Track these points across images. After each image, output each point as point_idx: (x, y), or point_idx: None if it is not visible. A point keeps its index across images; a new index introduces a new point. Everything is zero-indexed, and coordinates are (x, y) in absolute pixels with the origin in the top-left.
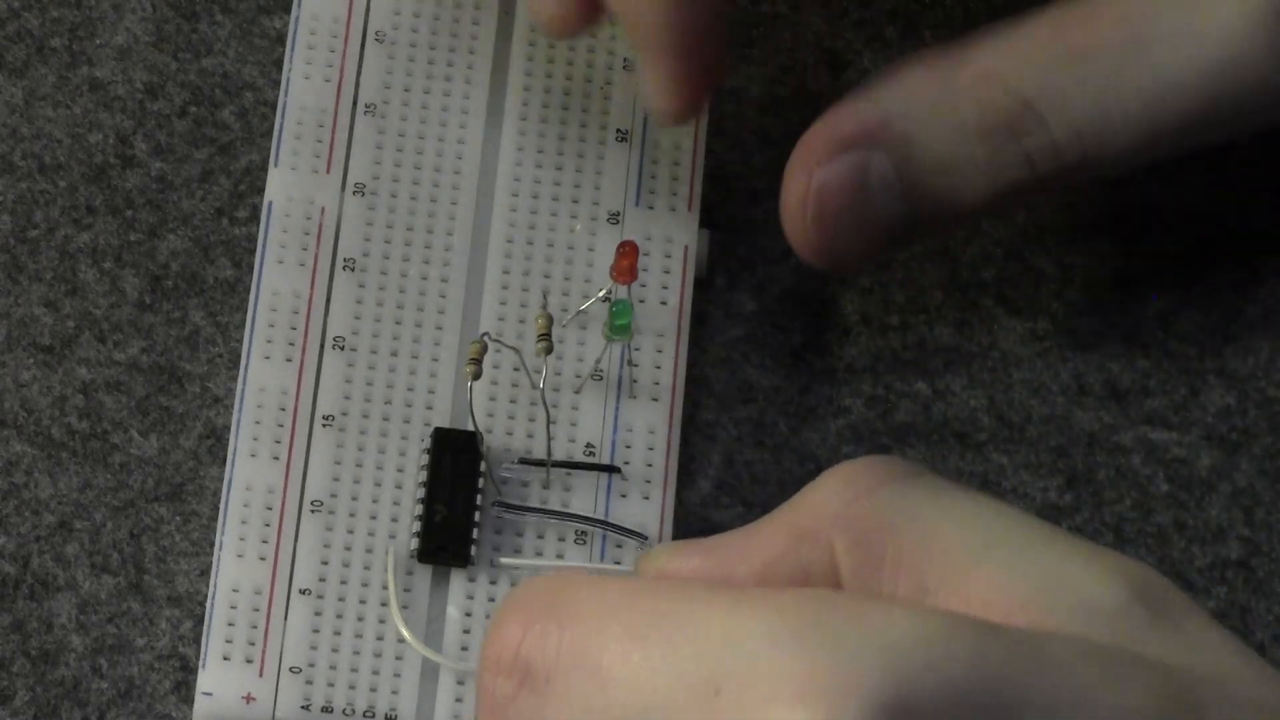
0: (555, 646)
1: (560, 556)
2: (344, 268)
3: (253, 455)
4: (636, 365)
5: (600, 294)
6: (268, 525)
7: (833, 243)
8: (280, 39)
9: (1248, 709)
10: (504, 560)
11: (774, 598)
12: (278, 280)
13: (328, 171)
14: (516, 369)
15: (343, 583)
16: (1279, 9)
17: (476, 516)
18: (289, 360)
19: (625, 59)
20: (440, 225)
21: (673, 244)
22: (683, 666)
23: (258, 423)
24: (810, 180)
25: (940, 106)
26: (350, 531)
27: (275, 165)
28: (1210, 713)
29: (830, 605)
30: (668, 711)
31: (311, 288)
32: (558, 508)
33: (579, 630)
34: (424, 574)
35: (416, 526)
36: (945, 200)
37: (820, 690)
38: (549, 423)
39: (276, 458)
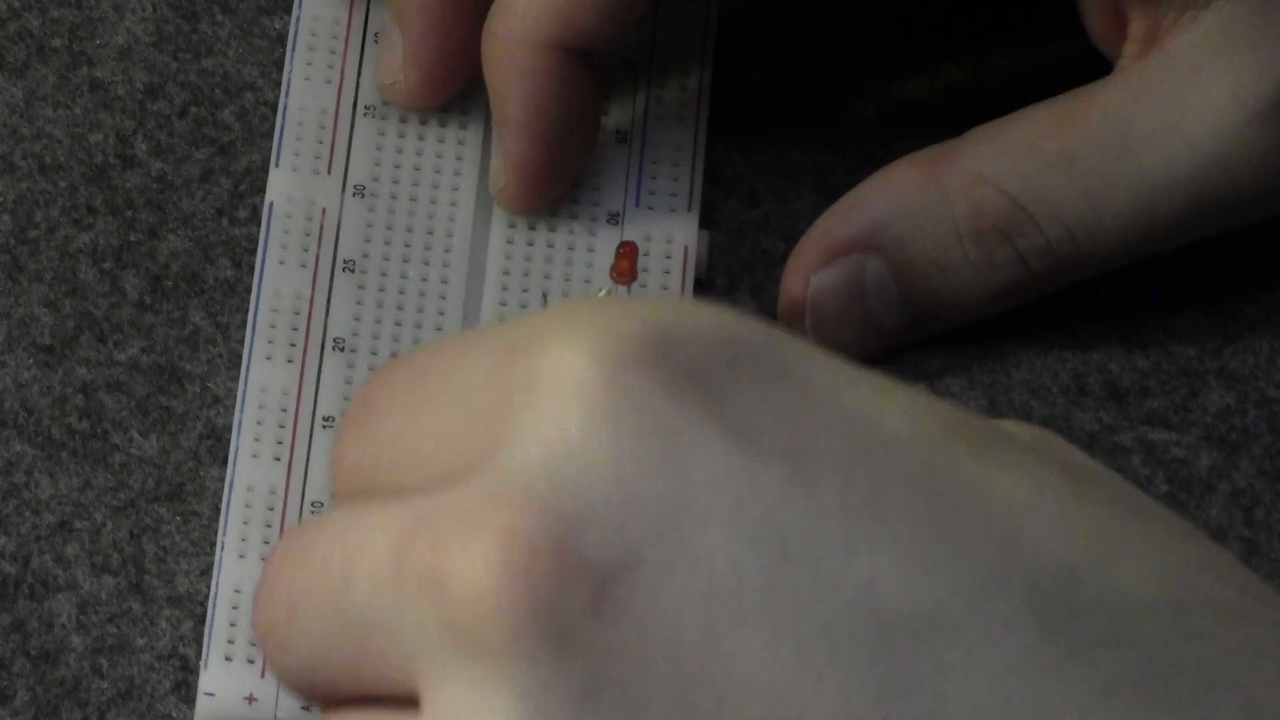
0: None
1: None
2: (344, 269)
3: (254, 456)
4: None
5: (600, 294)
6: (269, 526)
7: (832, 346)
8: (280, 39)
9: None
10: None
11: None
12: (279, 281)
13: (328, 173)
14: None
15: None
16: (1266, 108)
17: None
18: (290, 361)
19: (625, 60)
20: (440, 227)
21: (672, 245)
22: (488, 345)
23: (259, 423)
24: (807, 286)
25: (932, 210)
26: None
27: (276, 166)
28: (996, 453)
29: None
30: (484, 385)
31: (312, 289)
32: None
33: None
34: None
35: None
36: (941, 301)
37: (598, 310)
38: None
39: (278, 458)
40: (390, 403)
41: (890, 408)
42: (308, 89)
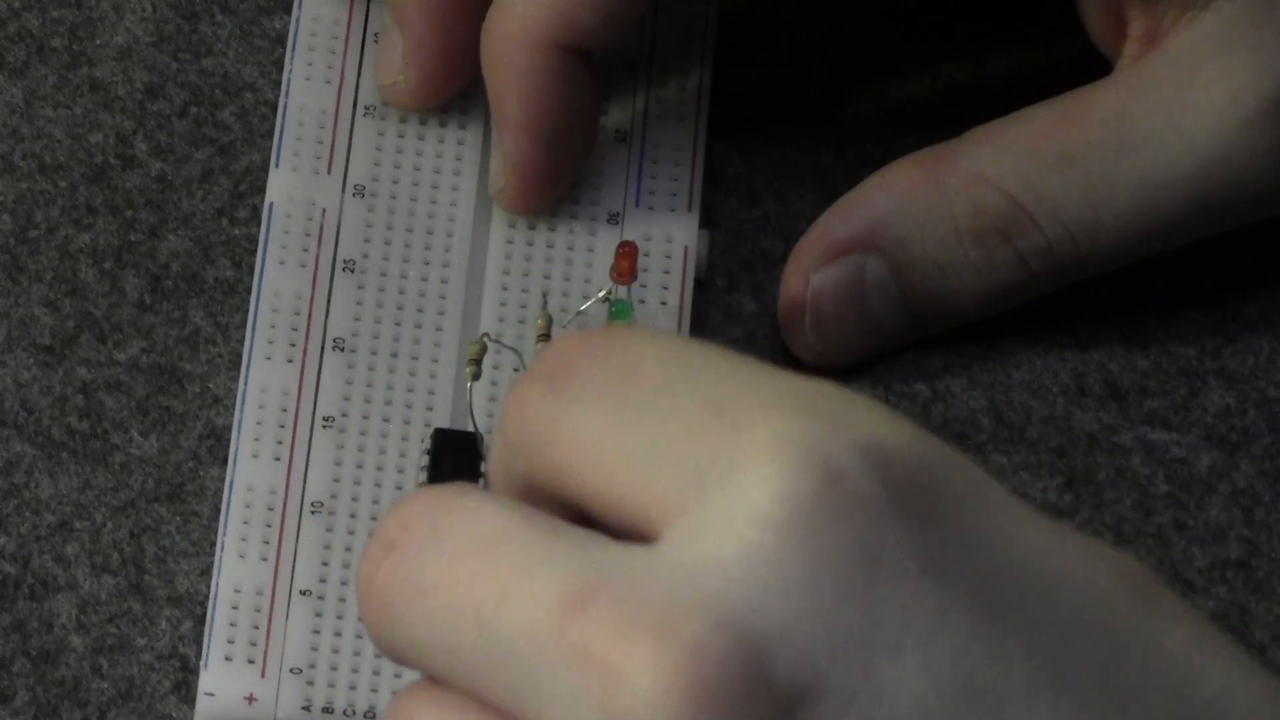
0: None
1: None
2: (344, 269)
3: (254, 456)
4: None
5: (600, 295)
6: (269, 526)
7: (832, 346)
8: (280, 39)
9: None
10: None
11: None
12: (279, 281)
13: (328, 173)
14: (516, 370)
15: (343, 584)
16: (1267, 108)
17: None
18: (290, 361)
19: (625, 60)
20: (440, 227)
21: (672, 245)
22: (697, 393)
23: (259, 424)
24: (807, 286)
25: (932, 209)
26: (351, 533)
27: (276, 166)
28: (1164, 604)
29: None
30: (680, 427)
31: (312, 289)
32: None
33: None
34: None
35: None
36: (941, 301)
37: (815, 407)
38: None
39: (278, 459)
40: (590, 383)
41: (1073, 554)
42: (308, 89)
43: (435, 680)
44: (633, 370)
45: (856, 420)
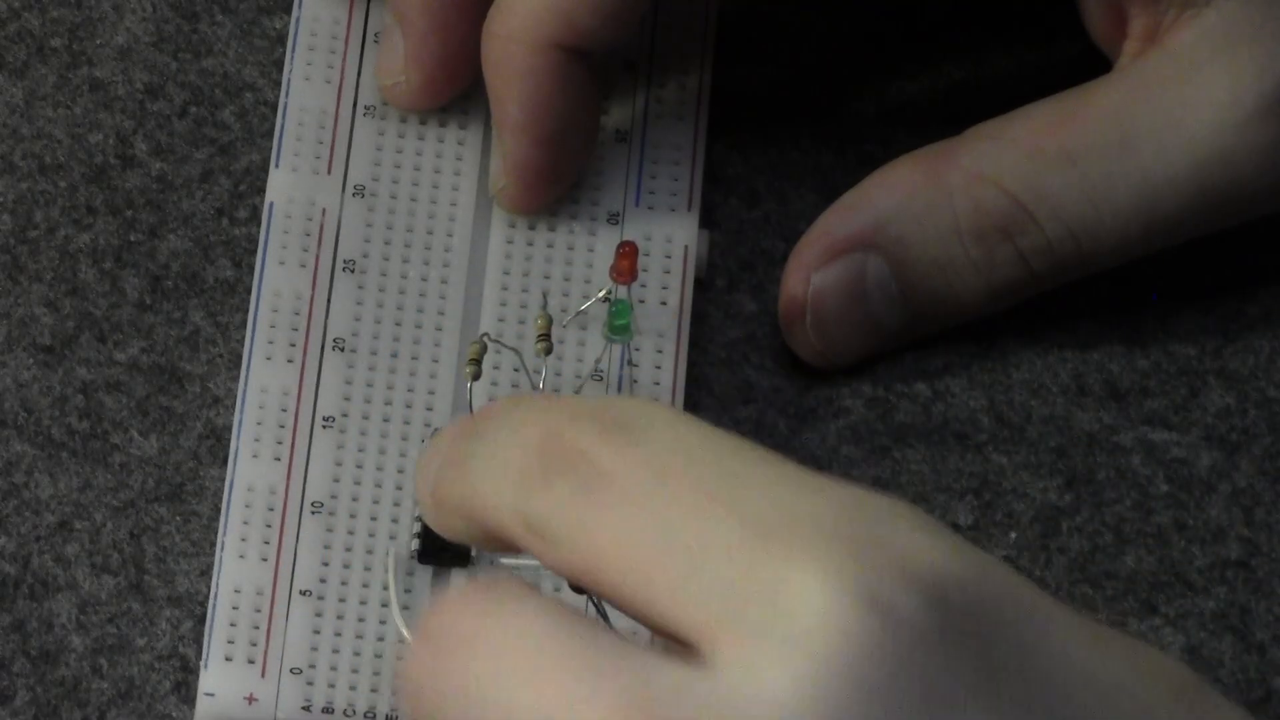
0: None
1: None
2: (344, 269)
3: (254, 456)
4: (636, 366)
5: (600, 294)
6: (269, 526)
7: (832, 346)
8: (280, 39)
9: None
10: (504, 560)
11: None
12: (279, 281)
13: (328, 173)
14: (516, 370)
15: (343, 584)
16: (1267, 105)
17: None
18: (290, 361)
19: (625, 60)
20: (440, 226)
21: (672, 244)
22: (735, 510)
23: (259, 424)
24: (808, 286)
25: (933, 208)
26: (351, 533)
27: (276, 166)
28: (1213, 716)
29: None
30: (722, 549)
31: (312, 289)
32: None
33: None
34: (424, 575)
35: (417, 527)
36: (942, 300)
37: (857, 529)
38: None
39: (278, 459)
40: (619, 485)
41: (1124, 662)
42: (308, 89)
43: None
44: (661, 474)
45: (900, 542)
